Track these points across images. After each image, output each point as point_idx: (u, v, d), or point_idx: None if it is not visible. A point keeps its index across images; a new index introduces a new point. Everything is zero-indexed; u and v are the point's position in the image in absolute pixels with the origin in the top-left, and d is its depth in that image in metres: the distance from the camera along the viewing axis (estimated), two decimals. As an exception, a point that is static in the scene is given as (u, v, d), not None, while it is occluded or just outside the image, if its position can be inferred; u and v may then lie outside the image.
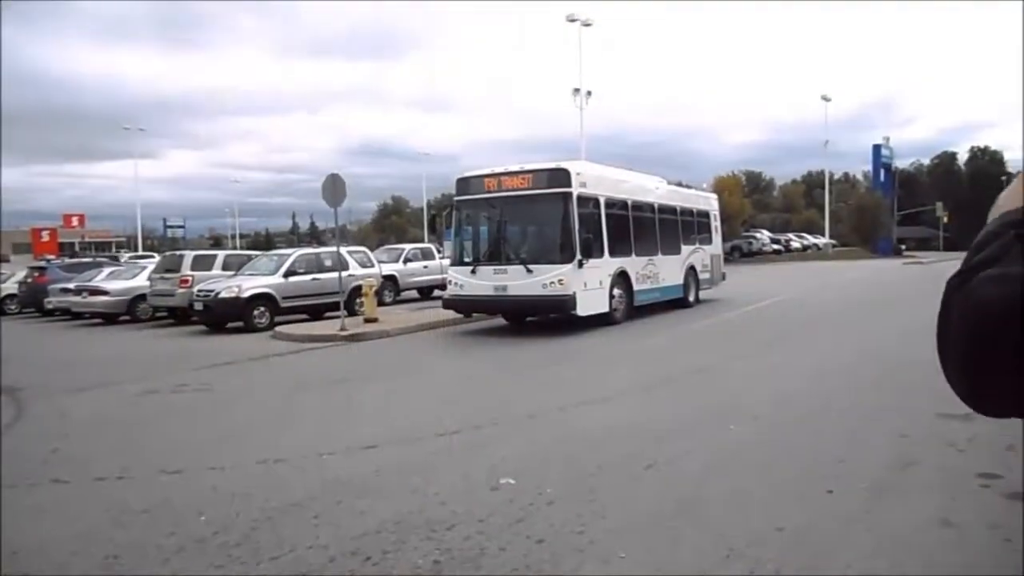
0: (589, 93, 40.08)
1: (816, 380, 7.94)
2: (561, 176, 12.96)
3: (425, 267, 22.54)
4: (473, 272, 13.41)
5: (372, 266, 19.03)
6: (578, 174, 13.13)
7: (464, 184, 14.02)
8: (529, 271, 12.75)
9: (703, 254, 18.65)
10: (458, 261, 14.09)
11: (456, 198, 14.29)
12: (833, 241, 57.12)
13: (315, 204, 17.30)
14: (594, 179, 13.99)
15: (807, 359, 9.40)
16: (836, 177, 79.27)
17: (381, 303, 17.89)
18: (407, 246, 25.85)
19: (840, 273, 29.95)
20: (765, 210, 77.39)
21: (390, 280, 21.21)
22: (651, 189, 16.81)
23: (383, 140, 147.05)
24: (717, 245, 20.09)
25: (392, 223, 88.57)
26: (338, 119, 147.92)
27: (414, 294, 22.38)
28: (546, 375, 9.10)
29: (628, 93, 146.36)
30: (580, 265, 12.67)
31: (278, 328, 15.03)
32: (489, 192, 13.52)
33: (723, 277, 20.11)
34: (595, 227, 13.57)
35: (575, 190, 12.86)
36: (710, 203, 20.30)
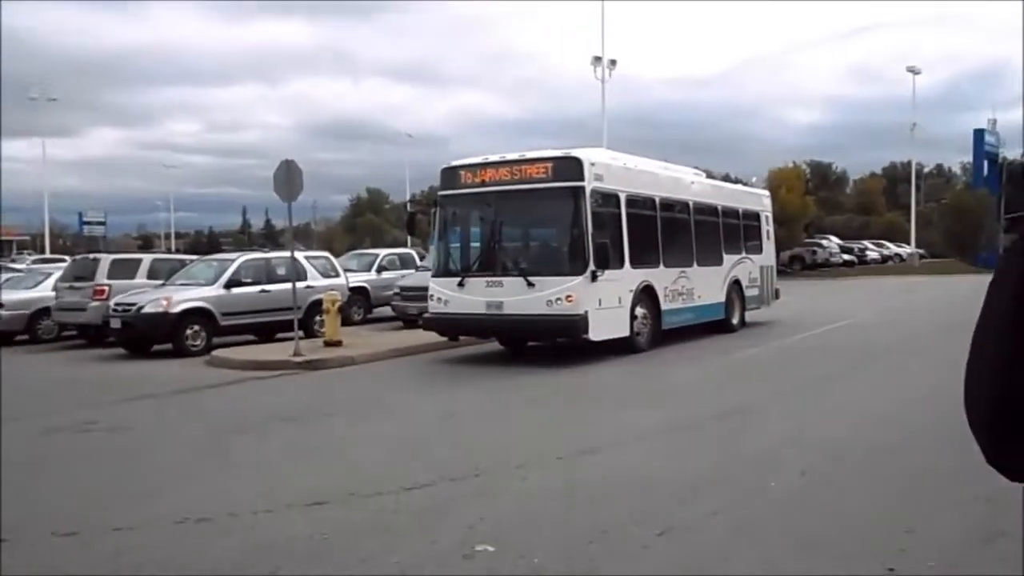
0: (613, 63, 40.53)
1: (882, 427, 7.95)
2: (572, 167, 13.06)
3: (404, 278, 22.58)
4: (461, 285, 13.48)
5: (337, 275, 19.11)
6: (593, 164, 13.23)
7: (450, 175, 14.11)
8: (530, 284, 12.82)
9: (751, 265, 18.71)
10: (442, 271, 14.15)
11: (440, 193, 14.37)
12: (921, 251, 57.23)
13: (272, 197, 17.62)
14: (614, 171, 14.07)
15: (874, 400, 9.42)
16: (926, 170, 79.59)
17: (347, 322, 17.95)
18: (382, 251, 25.99)
19: (929, 291, 29.98)
20: (835, 211, 77.66)
21: (359, 293, 21.30)
22: (686, 184, 16.91)
23: (356, 118, 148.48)
24: (770, 254, 20.16)
25: (366, 222, 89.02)
26: (300, 91, 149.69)
27: (390, 311, 22.45)
28: (546, 415, 9.13)
29: (661, 63, 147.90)
30: (594, 278, 12.74)
31: (216, 352, 15.08)
32: (482, 185, 13.61)
33: (776, 295, 20.19)
34: (614, 231, 13.63)
35: (589, 184, 12.95)
36: (761, 202, 20.38)
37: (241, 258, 17.97)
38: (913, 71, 55.10)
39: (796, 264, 48.25)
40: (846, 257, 52.16)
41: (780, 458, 6.77)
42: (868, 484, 6.03)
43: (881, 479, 6.13)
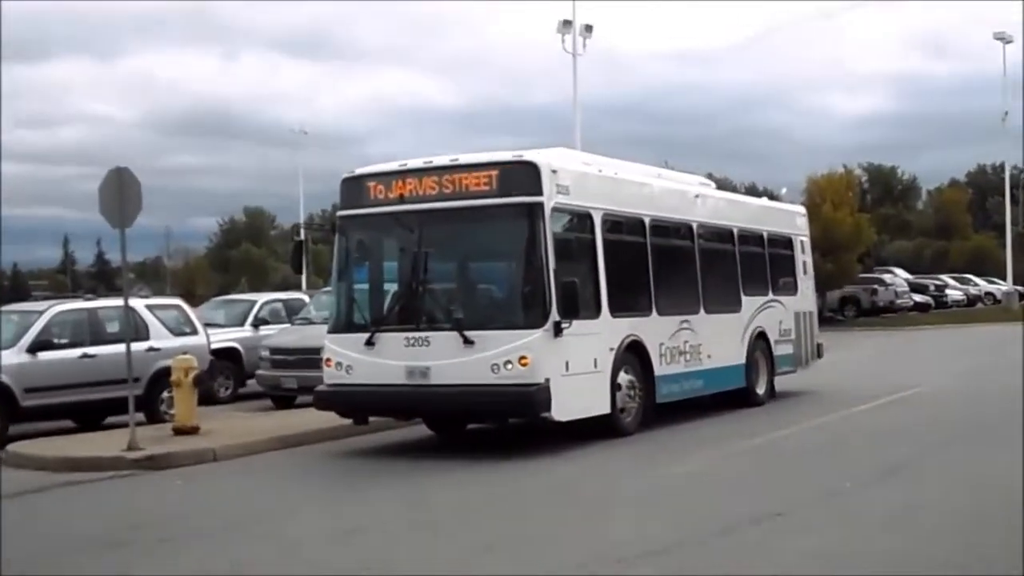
0: (588, 29, 41.11)
1: (954, 542, 8.02)
2: (525, 175, 13.15)
3: (275, 334, 22.37)
4: (370, 344, 13.42)
5: (193, 333, 18.91)
6: (555, 172, 13.33)
7: (355, 188, 14.14)
8: (468, 342, 12.79)
9: (782, 312, 18.91)
10: (343, 324, 14.11)
11: (340, 213, 14.40)
12: (1022, 288, 58.40)
13: (103, 221, 17.46)
14: (586, 180, 14.21)
15: (946, 503, 9.51)
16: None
17: (208, 400, 17.72)
18: (261, 296, 25.79)
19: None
20: (901, 233, 79.24)
21: (227, 358, 21.09)
22: (689, 199, 17.12)
23: (228, 107, 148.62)
24: (808, 295, 20.46)
25: (243, 256, 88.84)
26: (144, 68, 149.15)
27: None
28: (487, 535, 9.07)
29: (655, 32, 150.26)
30: (558, 331, 12.76)
31: (13, 447, 14.82)
32: (399, 202, 13.65)
33: (819, 352, 20.44)
34: (585, 264, 13.74)
35: (550, 199, 13.03)
36: (795, 223, 20.70)
37: (52, 309, 17.71)
38: (1003, 39, 55.91)
39: (849, 308, 49.05)
40: (918, 298, 53.14)
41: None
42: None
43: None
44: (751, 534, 8.45)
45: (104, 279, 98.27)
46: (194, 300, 32.63)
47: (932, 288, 56.48)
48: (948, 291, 57.47)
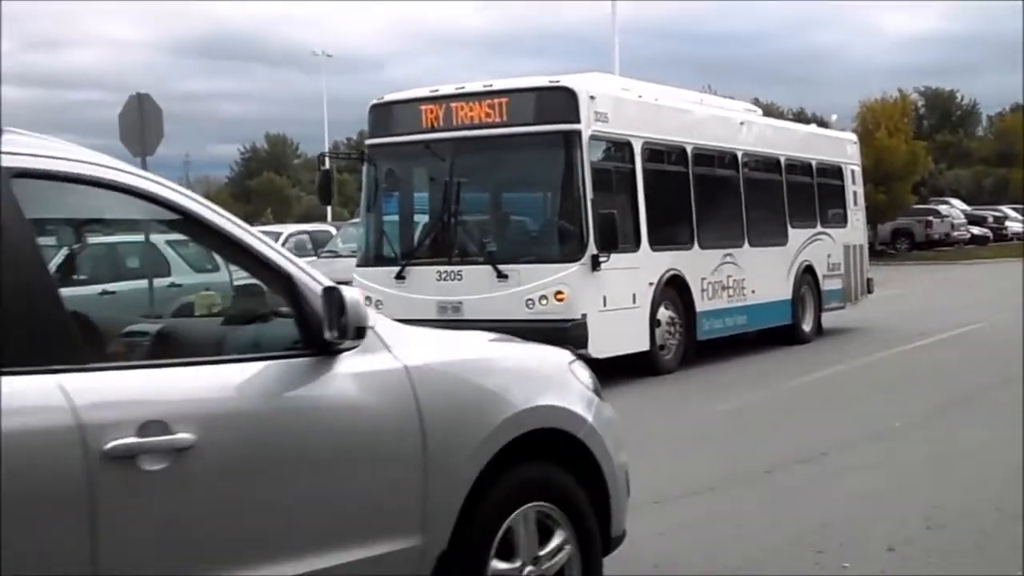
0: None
1: (1005, 488, 8.08)
2: (562, 101, 13.16)
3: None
4: (400, 278, 13.55)
5: (215, 268, 19.04)
6: (594, 98, 13.33)
7: (384, 116, 14.20)
8: (502, 276, 12.89)
9: (830, 245, 18.89)
10: (373, 258, 14.26)
11: (369, 142, 14.45)
12: (1090, 219, 57.76)
13: (121, 148, 17.70)
14: (625, 107, 14.21)
15: (1000, 446, 9.54)
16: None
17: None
18: (287, 228, 26.00)
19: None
20: (960, 162, 78.26)
21: (252, 295, 21.20)
22: (734, 126, 17.07)
23: (247, 30, 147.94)
24: (858, 228, 20.42)
25: (266, 185, 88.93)
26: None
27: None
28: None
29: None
30: (596, 265, 12.85)
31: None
32: (430, 131, 13.71)
33: (869, 287, 20.46)
34: (625, 196, 13.80)
35: (588, 127, 13.06)
36: (845, 151, 20.59)
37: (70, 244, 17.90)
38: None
39: (902, 241, 48.72)
40: (975, 231, 52.68)
41: (865, 529, 6.88)
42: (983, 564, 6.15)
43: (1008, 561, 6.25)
44: (796, 474, 8.56)
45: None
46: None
47: (991, 220, 55.96)
48: (1008, 223, 56.82)
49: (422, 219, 14.39)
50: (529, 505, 4.40)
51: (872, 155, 37.17)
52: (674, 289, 14.45)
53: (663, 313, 14.16)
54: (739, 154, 16.58)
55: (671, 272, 14.36)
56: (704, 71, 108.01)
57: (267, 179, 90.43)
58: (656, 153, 14.62)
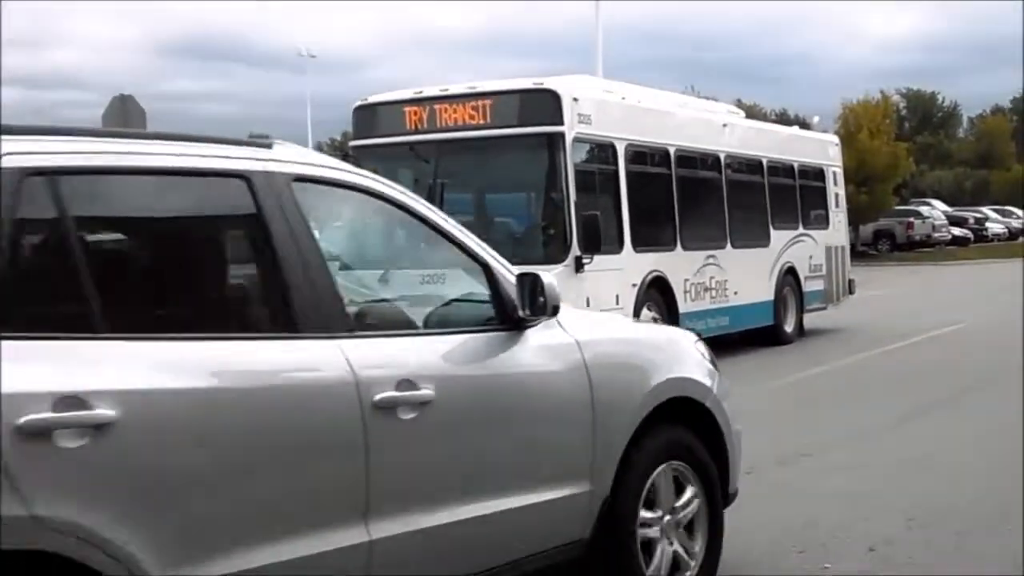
0: (612, -54, 40.65)
1: (981, 487, 8.13)
2: (545, 103, 13.21)
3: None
4: (384, 280, 13.53)
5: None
6: (577, 100, 13.38)
7: (367, 117, 14.26)
8: (486, 277, 12.92)
9: (812, 246, 18.97)
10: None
11: (353, 143, 14.51)
12: (1066, 221, 58.08)
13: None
14: (608, 109, 14.26)
15: (991, 442, 9.60)
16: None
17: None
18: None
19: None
20: (941, 163, 78.56)
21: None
22: (716, 128, 17.13)
23: (230, 30, 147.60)
24: (840, 229, 20.51)
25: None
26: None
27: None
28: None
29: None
30: (579, 266, 12.90)
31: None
32: (413, 132, 13.78)
33: (850, 288, 20.55)
34: (608, 197, 13.87)
35: (571, 129, 13.11)
36: (827, 152, 20.68)
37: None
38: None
39: (883, 242, 48.90)
40: (957, 232, 52.93)
41: (846, 529, 6.94)
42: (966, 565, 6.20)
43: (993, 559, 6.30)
44: (777, 474, 8.57)
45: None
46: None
47: (971, 221, 56.25)
48: (989, 224, 57.19)
49: (405, 221, 14.40)
50: (668, 463, 5.26)
51: (854, 156, 37.31)
52: (657, 290, 14.50)
53: (646, 314, 14.17)
54: (722, 156, 16.63)
55: (654, 273, 14.40)
56: (687, 72, 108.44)
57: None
58: (639, 155, 14.66)
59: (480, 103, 13.43)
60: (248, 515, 3.68)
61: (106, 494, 3.26)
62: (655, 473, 5.15)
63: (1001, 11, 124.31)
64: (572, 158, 13.04)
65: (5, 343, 3.12)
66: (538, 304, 4.61)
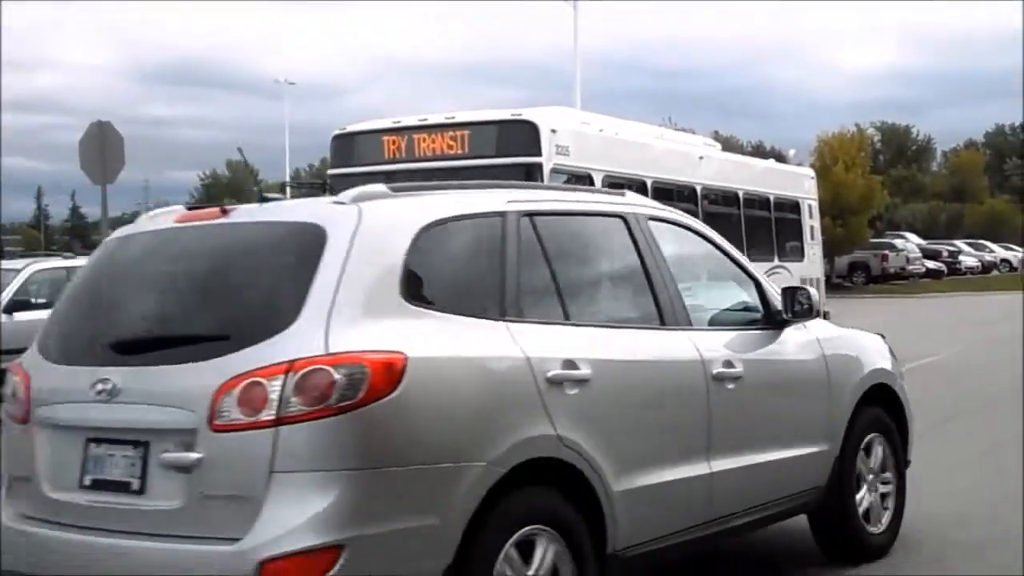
0: (592, -23, 40.92)
1: (957, 521, 8.16)
2: (524, 134, 13.29)
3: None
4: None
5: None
6: (555, 132, 13.44)
7: (346, 146, 14.30)
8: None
9: (786, 278, 18.88)
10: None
11: (331, 172, 14.49)
12: (1039, 255, 58.45)
13: (80, 173, 17.54)
14: (586, 140, 14.34)
15: (961, 475, 9.62)
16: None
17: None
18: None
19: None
20: (915, 196, 79.18)
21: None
22: (693, 160, 17.22)
23: (210, 55, 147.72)
24: (815, 262, 20.63)
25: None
26: (120, 11, 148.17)
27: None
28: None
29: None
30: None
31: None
32: (391, 162, 13.79)
33: (825, 319, 20.47)
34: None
35: (549, 160, 13.16)
36: (803, 185, 20.79)
37: (30, 268, 17.79)
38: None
39: (858, 274, 49.18)
40: (930, 264, 53.29)
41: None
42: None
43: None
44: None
45: (80, 234, 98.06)
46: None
47: (945, 254, 56.64)
48: (962, 257, 57.61)
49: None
50: (875, 433, 7.03)
51: (829, 189, 37.58)
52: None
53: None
54: (698, 188, 16.69)
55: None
56: (665, 104, 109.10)
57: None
58: (616, 186, 14.57)
59: (459, 133, 13.47)
60: (651, 447, 5.39)
61: (589, 425, 4.92)
62: (865, 440, 6.89)
63: (974, 40, 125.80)
64: (551, 189, 13.05)
65: (529, 326, 4.93)
66: (802, 309, 6.33)
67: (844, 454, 6.64)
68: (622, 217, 5.89)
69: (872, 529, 6.94)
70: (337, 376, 4.10)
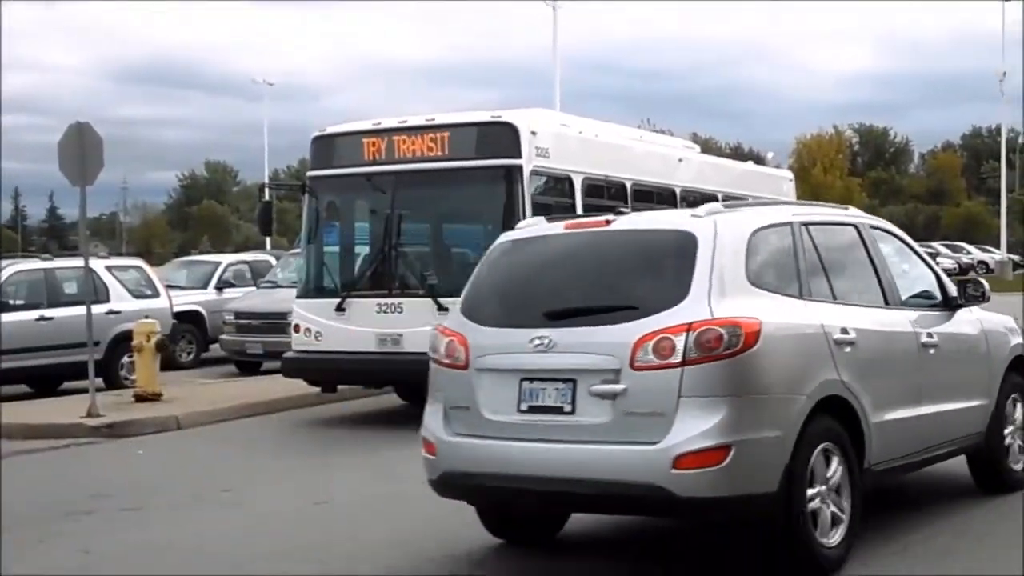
0: (571, -21, 40.94)
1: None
2: (503, 136, 13.25)
3: (241, 297, 22.44)
4: (340, 310, 13.51)
5: (155, 295, 18.98)
6: (535, 133, 13.43)
7: (325, 148, 14.23)
8: (442, 309, 12.85)
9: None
10: (313, 289, 14.22)
11: (311, 173, 14.45)
12: (1016, 257, 58.78)
13: (58, 174, 17.37)
14: (565, 142, 14.34)
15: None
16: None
17: (170, 366, 17.76)
18: (225, 258, 25.78)
19: None
20: (893, 198, 79.34)
21: (190, 322, 21.19)
22: (672, 163, 17.21)
23: (187, 55, 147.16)
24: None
25: (205, 213, 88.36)
26: (95, 12, 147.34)
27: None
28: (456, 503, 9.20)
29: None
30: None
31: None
32: (372, 163, 13.73)
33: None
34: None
35: (529, 162, 13.14)
36: (781, 188, 20.80)
37: (8, 269, 17.72)
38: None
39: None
40: (908, 266, 53.35)
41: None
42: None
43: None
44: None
45: (57, 237, 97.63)
46: (151, 259, 32.46)
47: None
48: (939, 259, 57.23)
49: (363, 251, 14.33)
50: (1017, 393, 8.90)
51: (808, 191, 37.80)
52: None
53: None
54: (677, 190, 16.71)
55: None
56: (643, 105, 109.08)
57: (208, 207, 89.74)
58: (596, 188, 14.69)
59: (438, 135, 13.45)
60: (890, 392, 7.28)
61: (857, 374, 6.81)
62: (1010, 399, 8.72)
63: (951, 43, 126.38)
64: (529, 191, 13.06)
65: (816, 303, 6.96)
66: (973, 296, 8.45)
67: (997, 408, 8.50)
68: (855, 226, 8.04)
69: (1015, 467, 8.82)
70: (723, 333, 6.03)
